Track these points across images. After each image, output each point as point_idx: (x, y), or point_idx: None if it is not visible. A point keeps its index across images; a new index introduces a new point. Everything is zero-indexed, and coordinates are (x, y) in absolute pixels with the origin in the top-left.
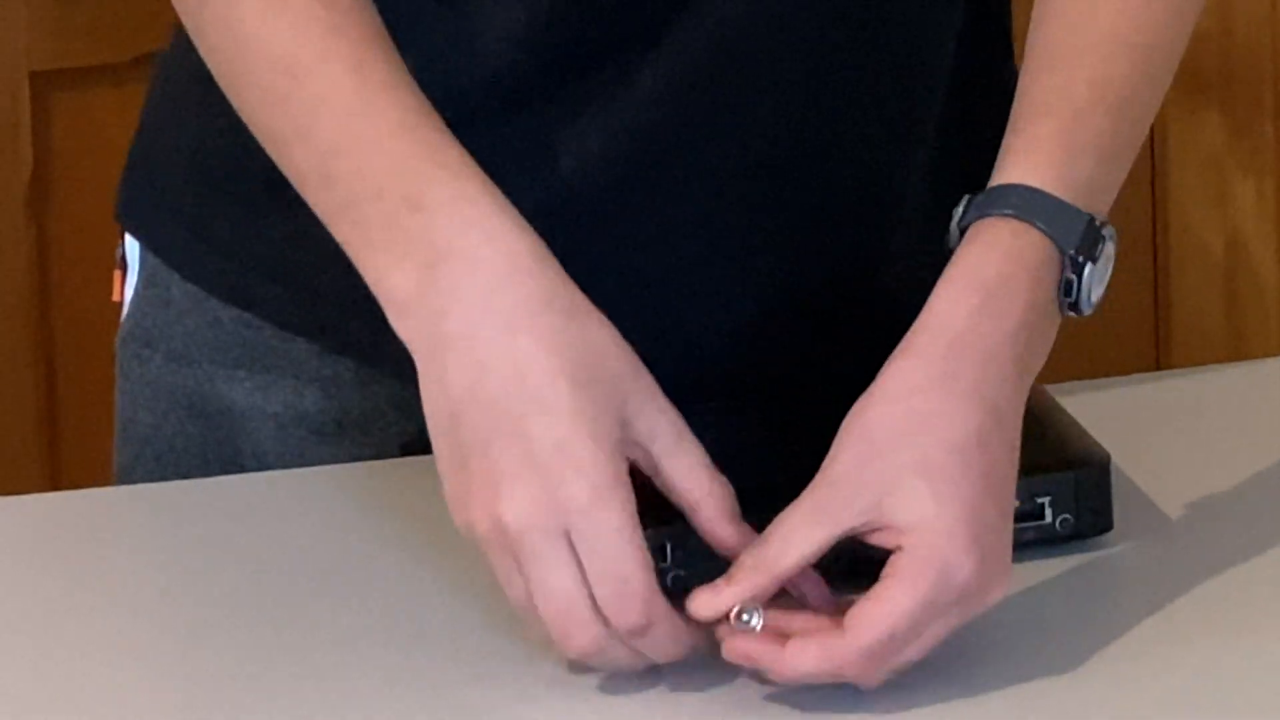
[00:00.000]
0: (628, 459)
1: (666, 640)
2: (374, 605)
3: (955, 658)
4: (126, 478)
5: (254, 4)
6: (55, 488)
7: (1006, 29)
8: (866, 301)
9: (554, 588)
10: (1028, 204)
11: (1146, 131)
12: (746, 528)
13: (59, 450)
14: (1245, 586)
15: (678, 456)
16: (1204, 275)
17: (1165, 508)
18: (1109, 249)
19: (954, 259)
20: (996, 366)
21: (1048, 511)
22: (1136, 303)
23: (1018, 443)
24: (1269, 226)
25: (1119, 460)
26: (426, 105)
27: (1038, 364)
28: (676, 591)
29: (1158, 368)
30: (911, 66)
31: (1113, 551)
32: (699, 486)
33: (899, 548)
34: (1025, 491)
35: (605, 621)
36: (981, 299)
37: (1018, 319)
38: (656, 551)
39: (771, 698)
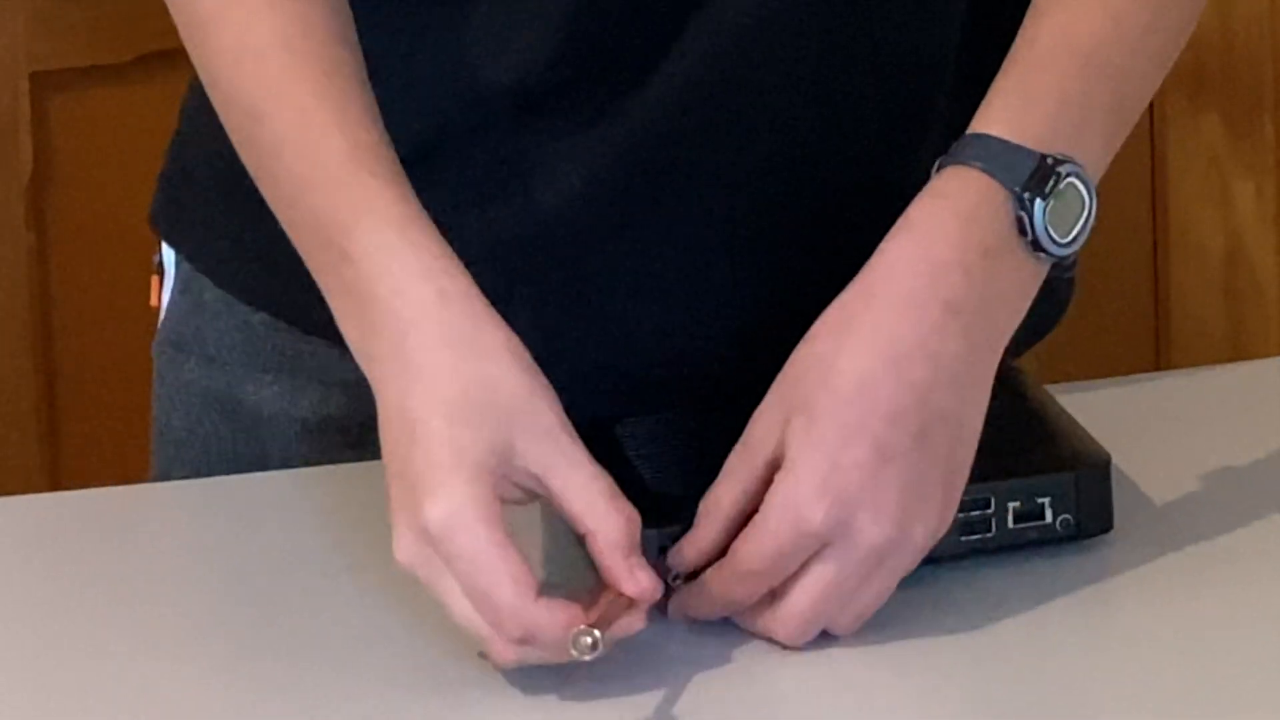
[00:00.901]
0: (522, 488)
1: (556, 644)
2: (382, 604)
3: (955, 656)
4: (164, 480)
5: (222, 48)
6: (55, 488)
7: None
8: None
9: (453, 612)
10: (973, 150)
11: (1138, 89)
12: (640, 560)
13: (59, 450)
14: (1245, 586)
15: (571, 485)
16: (1204, 275)
17: (1165, 508)
18: (1074, 188)
19: None
20: (907, 309)
21: (1048, 511)
22: (1136, 303)
23: (937, 382)
24: (1269, 226)
25: (1119, 460)
26: (369, 143)
27: (996, 305)
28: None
29: (1158, 368)
30: (917, 63)
31: (1113, 551)
32: (591, 516)
33: None
34: (1025, 491)
35: None
36: (901, 242)
37: (941, 258)
38: (656, 552)
39: (774, 698)
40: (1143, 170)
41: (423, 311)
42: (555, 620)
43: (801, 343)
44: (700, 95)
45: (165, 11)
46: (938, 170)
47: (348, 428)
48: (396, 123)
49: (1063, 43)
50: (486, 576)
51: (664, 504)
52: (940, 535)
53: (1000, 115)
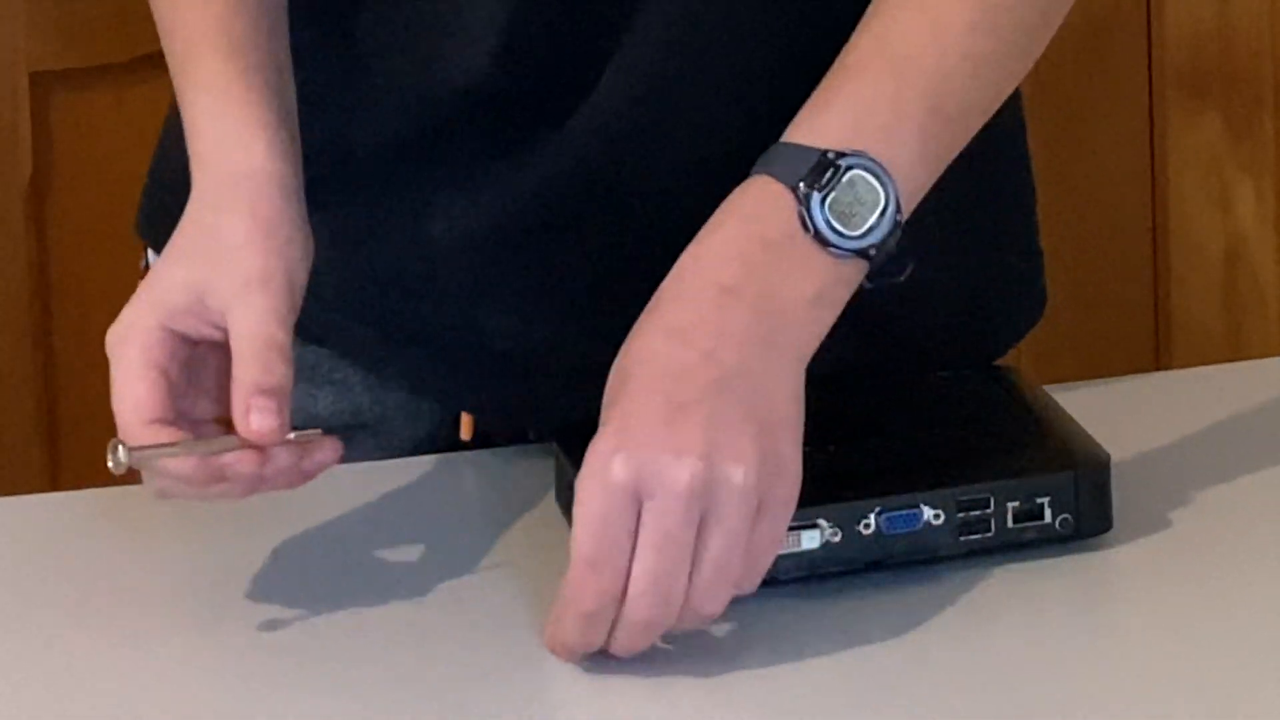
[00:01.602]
0: (218, 327)
1: (168, 477)
2: (381, 604)
3: (955, 656)
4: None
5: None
6: (55, 488)
7: None
8: None
9: None
10: (764, 159)
11: (964, 89)
12: (268, 406)
13: (59, 450)
14: (1245, 586)
15: (235, 329)
16: (1204, 275)
17: (1165, 508)
18: (863, 180)
19: None
20: (683, 297)
21: (1047, 511)
22: (1136, 303)
23: (723, 346)
24: (1269, 226)
25: (1119, 460)
26: (218, 14)
27: (784, 293)
28: None
29: (1158, 368)
30: None
31: (1113, 551)
32: (237, 360)
33: None
34: (1025, 491)
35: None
36: (688, 252)
37: (719, 254)
38: None
39: (772, 697)
40: (1143, 170)
41: (206, 175)
42: (155, 442)
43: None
44: (653, 89)
45: None
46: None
47: (333, 427)
48: (363, 126)
49: (875, 49)
50: (115, 393)
51: None
52: (776, 491)
53: (798, 124)
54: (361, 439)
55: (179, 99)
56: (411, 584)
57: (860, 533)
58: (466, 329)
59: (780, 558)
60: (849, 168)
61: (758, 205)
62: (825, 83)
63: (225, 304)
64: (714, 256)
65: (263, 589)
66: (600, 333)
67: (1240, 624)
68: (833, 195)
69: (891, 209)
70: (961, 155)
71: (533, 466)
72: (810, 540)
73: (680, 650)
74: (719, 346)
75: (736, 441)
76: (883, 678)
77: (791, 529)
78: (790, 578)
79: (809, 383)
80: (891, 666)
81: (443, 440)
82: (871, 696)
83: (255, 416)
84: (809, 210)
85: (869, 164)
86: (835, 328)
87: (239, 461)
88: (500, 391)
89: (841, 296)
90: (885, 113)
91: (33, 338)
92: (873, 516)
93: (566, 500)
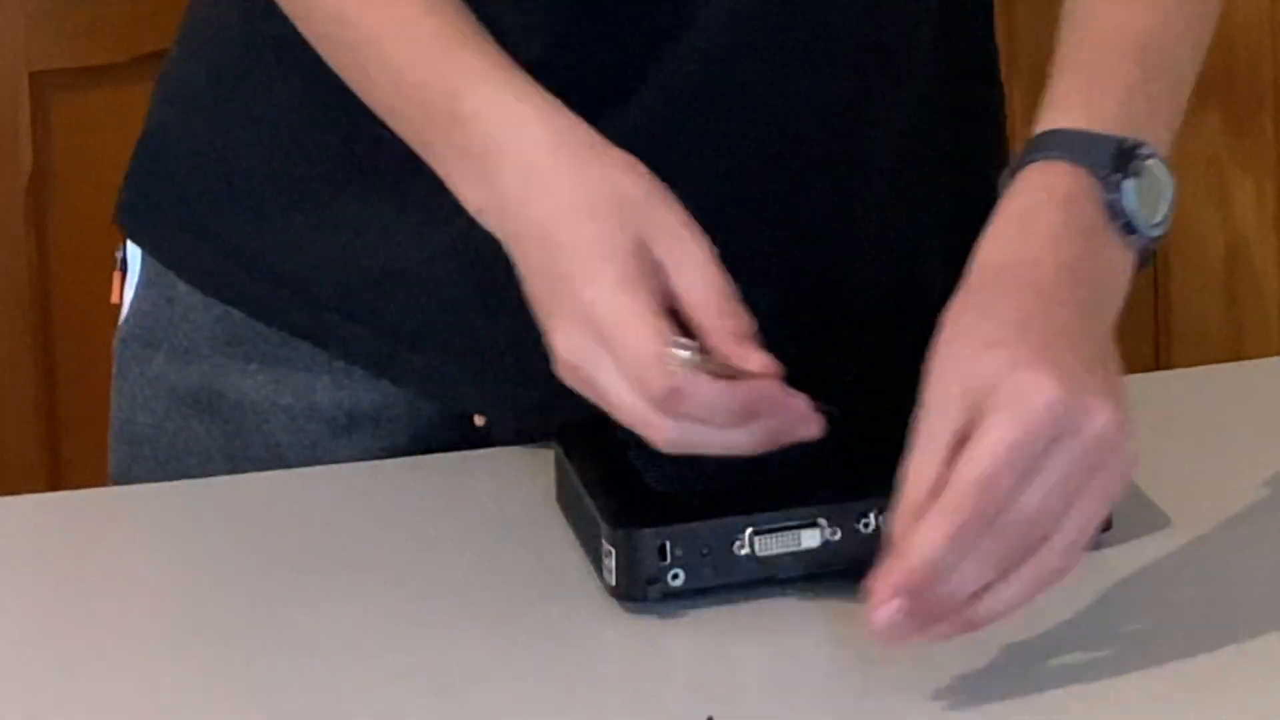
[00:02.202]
0: (657, 279)
1: (703, 407)
2: (381, 605)
3: (954, 656)
4: (124, 479)
5: None
6: (55, 488)
7: (986, 33)
8: (848, 296)
9: (610, 398)
10: (1053, 143)
11: (1187, 77)
12: (754, 345)
13: (59, 450)
14: (1245, 586)
15: (686, 277)
16: (1204, 275)
17: (1165, 508)
18: (1156, 169)
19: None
20: (1037, 271)
21: None
22: (1136, 303)
23: (1087, 314)
24: (1269, 226)
25: None
26: (452, 17)
27: (1105, 285)
28: (681, 592)
29: (1158, 368)
30: (879, 63)
31: (1113, 551)
32: (705, 314)
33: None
34: None
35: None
36: (1013, 230)
37: (1049, 237)
38: (656, 552)
39: (769, 694)
40: None
41: (540, 142)
42: (709, 391)
43: (939, 346)
44: (677, 111)
45: (165, 11)
46: (1022, 167)
47: (334, 416)
48: (370, 128)
49: (1119, 37)
50: (625, 338)
51: (664, 504)
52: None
53: (1073, 108)
54: (363, 427)
55: (405, 95)
56: (411, 583)
57: (860, 532)
58: (468, 332)
59: (780, 556)
60: (1148, 155)
61: (1070, 192)
62: (1078, 68)
63: (670, 258)
64: (1044, 239)
65: (263, 588)
66: None
67: (1240, 623)
68: (1140, 181)
69: (1175, 197)
70: (961, 161)
71: (533, 466)
72: (810, 539)
73: (678, 650)
74: (1085, 315)
75: (1124, 405)
76: (882, 677)
77: (791, 528)
78: (790, 577)
79: (805, 383)
80: (891, 666)
81: (444, 430)
82: (871, 696)
83: (757, 356)
84: (1121, 198)
85: (1156, 151)
86: (830, 328)
87: (769, 388)
88: (505, 393)
89: (1128, 291)
90: (1143, 102)
91: (33, 338)
92: (873, 516)
93: (567, 500)
